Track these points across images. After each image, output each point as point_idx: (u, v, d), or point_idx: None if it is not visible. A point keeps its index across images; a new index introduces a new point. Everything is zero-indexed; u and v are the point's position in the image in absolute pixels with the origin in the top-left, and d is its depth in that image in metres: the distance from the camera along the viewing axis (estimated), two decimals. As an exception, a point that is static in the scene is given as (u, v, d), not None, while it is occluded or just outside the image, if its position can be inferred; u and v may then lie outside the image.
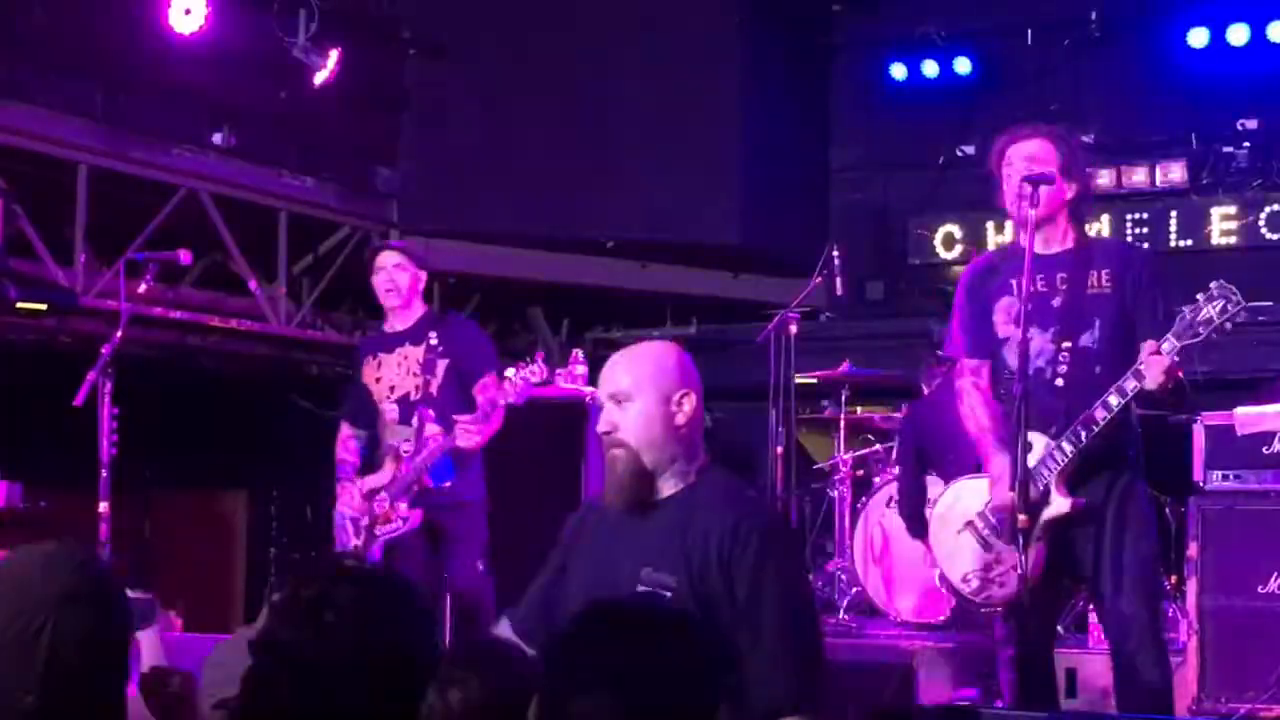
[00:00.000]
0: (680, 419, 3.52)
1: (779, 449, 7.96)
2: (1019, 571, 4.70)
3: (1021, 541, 4.76)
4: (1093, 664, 6.76)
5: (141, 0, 7.78)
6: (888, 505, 8.01)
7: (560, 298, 10.90)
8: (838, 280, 8.24)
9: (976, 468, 5.04)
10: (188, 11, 7.76)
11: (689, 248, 10.00)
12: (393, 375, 6.46)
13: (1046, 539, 4.77)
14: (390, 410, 6.43)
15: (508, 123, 9.51)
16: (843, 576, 8.22)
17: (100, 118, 7.95)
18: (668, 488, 3.53)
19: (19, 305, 7.61)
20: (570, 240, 9.96)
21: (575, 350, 8.63)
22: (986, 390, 4.95)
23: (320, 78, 8.59)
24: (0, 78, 7.45)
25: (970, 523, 5.01)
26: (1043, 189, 4.78)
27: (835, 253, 8.13)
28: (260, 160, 8.87)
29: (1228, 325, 4.69)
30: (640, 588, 3.36)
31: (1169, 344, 4.62)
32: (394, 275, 6.48)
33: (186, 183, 8.45)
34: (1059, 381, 4.78)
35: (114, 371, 6.01)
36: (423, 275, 6.62)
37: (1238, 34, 9.38)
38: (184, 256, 6.57)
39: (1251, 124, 9.62)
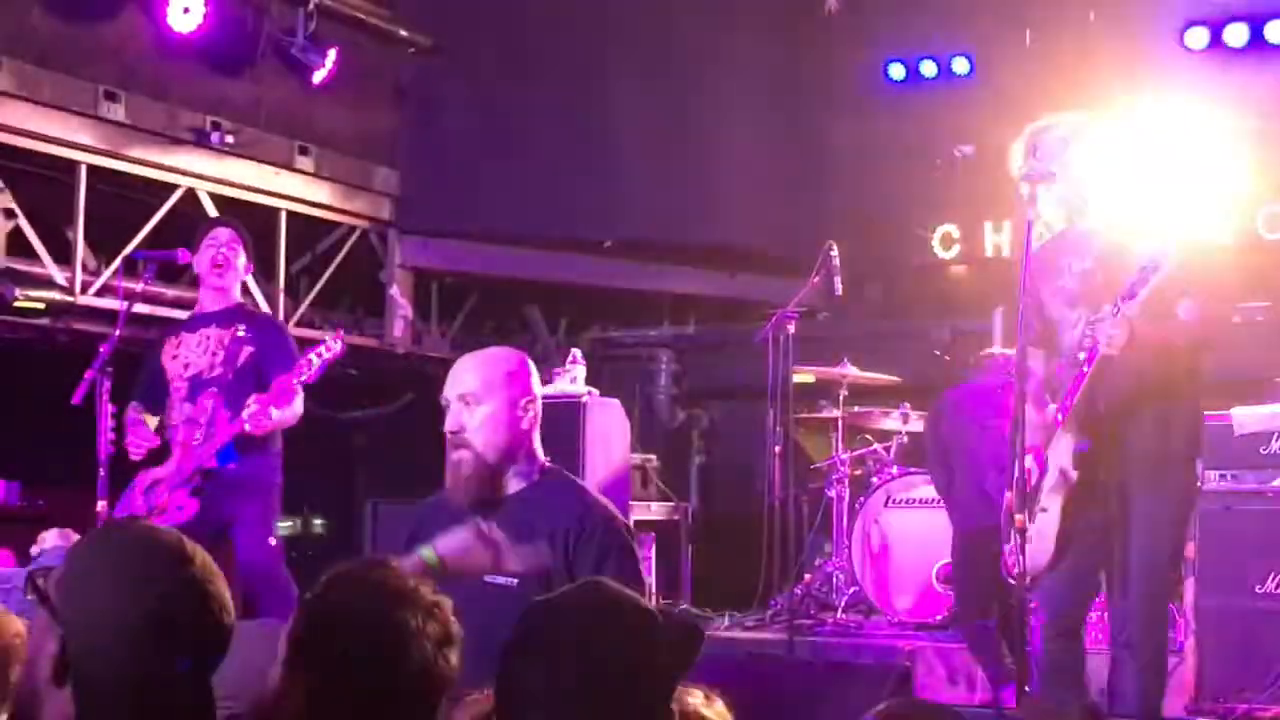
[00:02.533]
0: (525, 423, 3.70)
1: (777, 448, 7.94)
2: (1017, 571, 4.71)
3: (1018, 540, 4.77)
4: (1090, 663, 6.77)
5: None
6: (885, 505, 8.01)
7: (558, 297, 10.90)
8: (835, 280, 8.22)
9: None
10: (186, 10, 7.77)
11: (687, 247, 10.01)
12: (190, 353, 6.31)
13: (1061, 512, 4.79)
14: (181, 388, 6.27)
15: (506, 122, 9.51)
16: (840, 576, 8.23)
17: (99, 116, 7.94)
18: (511, 486, 3.70)
19: (18, 304, 7.61)
20: (568, 239, 9.97)
21: (573, 350, 8.65)
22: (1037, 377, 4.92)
23: (319, 76, 8.60)
24: (0, 76, 7.45)
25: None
26: None
27: (833, 252, 8.12)
28: (259, 159, 8.87)
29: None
30: (486, 578, 3.45)
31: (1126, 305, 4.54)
32: (227, 254, 6.38)
33: (185, 182, 8.45)
34: (1081, 355, 4.74)
35: (112, 370, 6.00)
36: (250, 265, 6.54)
37: (1235, 34, 9.38)
38: (183, 255, 6.56)
39: (1251, 124, 9.61)
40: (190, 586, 2.29)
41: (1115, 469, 4.78)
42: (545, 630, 2.30)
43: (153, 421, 6.38)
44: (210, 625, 2.30)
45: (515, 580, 3.48)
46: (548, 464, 3.77)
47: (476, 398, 3.66)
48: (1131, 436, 4.75)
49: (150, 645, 2.24)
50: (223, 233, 6.45)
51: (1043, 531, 4.76)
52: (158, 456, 6.28)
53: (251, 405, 5.96)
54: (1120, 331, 4.53)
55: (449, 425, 3.67)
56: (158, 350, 6.43)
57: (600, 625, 2.29)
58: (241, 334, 6.24)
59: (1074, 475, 4.75)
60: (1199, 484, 4.95)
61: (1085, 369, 4.66)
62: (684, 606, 8.74)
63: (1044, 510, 4.79)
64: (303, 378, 6.04)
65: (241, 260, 6.43)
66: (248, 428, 6.00)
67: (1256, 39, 9.38)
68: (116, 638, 2.23)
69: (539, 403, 3.74)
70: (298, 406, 6.18)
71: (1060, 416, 4.77)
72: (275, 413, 6.01)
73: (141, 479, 6.24)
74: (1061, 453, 4.77)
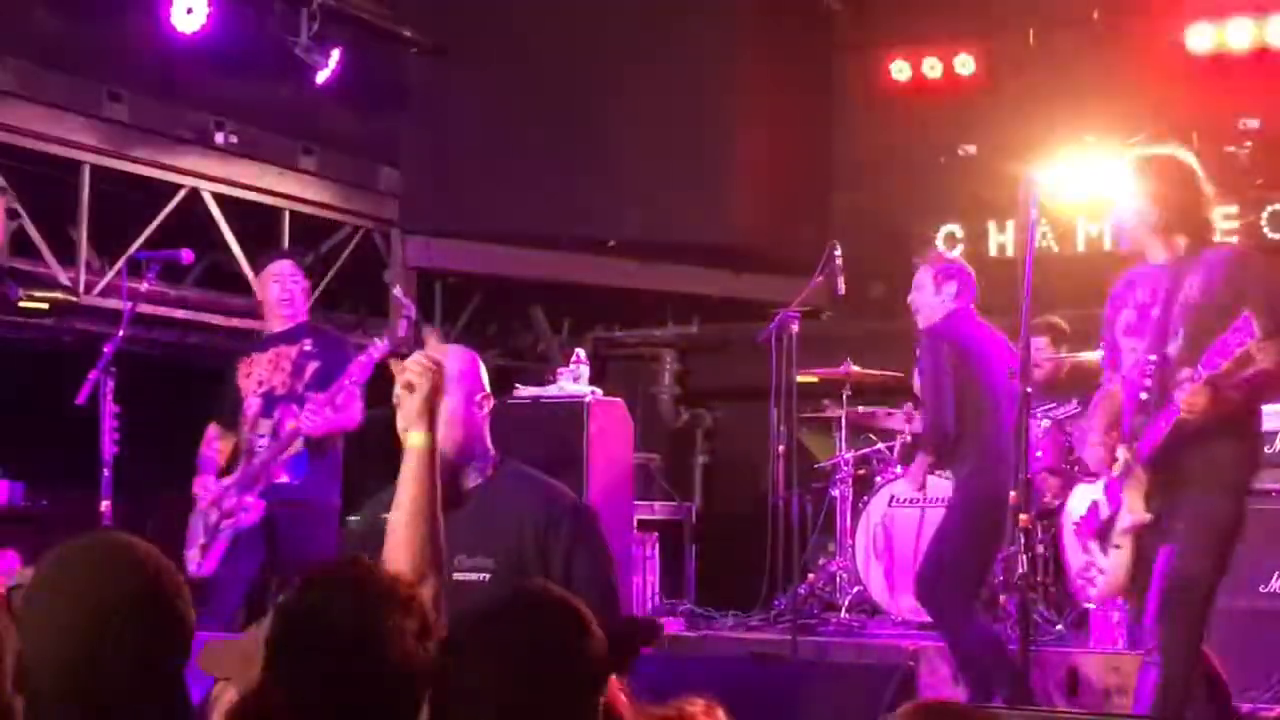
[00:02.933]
0: (480, 418, 3.78)
1: (780, 448, 7.95)
2: (1020, 572, 4.71)
3: (1024, 540, 4.78)
4: (1094, 663, 6.78)
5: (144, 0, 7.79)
6: (889, 504, 8.01)
7: (561, 297, 10.90)
8: (839, 279, 8.22)
9: None
10: (190, 10, 7.76)
11: (690, 247, 10.00)
12: (262, 371, 6.53)
13: (1132, 548, 4.83)
14: (255, 404, 6.48)
15: (509, 122, 9.51)
16: (844, 575, 8.23)
17: (103, 117, 7.95)
18: (470, 481, 3.75)
19: (21, 304, 7.61)
20: (572, 239, 9.96)
21: (577, 350, 8.65)
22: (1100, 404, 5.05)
23: (322, 76, 8.60)
24: (3, 76, 7.45)
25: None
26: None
27: (836, 252, 8.12)
28: (262, 159, 8.87)
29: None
30: (456, 575, 3.50)
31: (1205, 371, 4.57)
32: (290, 287, 6.69)
33: (189, 182, 8.45)
34: (1144, 395, 4.80)
35: (116, 370, 6.02)
36: (308, 284, 6.85)
37: (1239, 33, 9.38)
38: (186, 255, 6.58)
39: (1253, 123, 9.61)
40: (139, 597, 2.29)
41: (1168, 496, 4.79)
42: (478, 630, 2.35)
43: (230, 441, 6.64)
44: (162, 632, 2.31)
45: (487, 575, 3.56)
46: (500, 457, 3.82)
47: None
48: (1186, 465, 4.75)
49: (99, 653, 2.24)
50: (285, 267, 6.74)
51: (1115, 566, 4.83)
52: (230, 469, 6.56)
53: (311, 412, 6.21)
54: (1201, 399, 4.54)
55: (405, 421, 3.64)
56: (233, 371, 6.66)
57: (530, 624, 2.34)
58: (308, 349, 6.49)
59: (1147, 518, 4.77)
60: (1242, 515, 4.89)
61: (1163, 425, 4.67)
62: (686, 606, 8.74)
63: (1117, 547, 4.81)
64: (352, 380, 6.20)
65: (301, 290, 6.72)
66: (302, 426, 6.22)
67: (1260, 38, 9.37)
68: (61, 647, 2.24)
69: (491, 399, 3.82)
70: (355, 411, 6.40)
71: (1137, 462, 4.79)
72: (329, 413, 6.24)
73: (206, 487, 6.46)
74: (1134, 496, 4.79)
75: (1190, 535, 4.73)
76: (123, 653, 2.26)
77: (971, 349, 6.56)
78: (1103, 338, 5.14)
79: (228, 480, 6.41)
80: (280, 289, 6.66)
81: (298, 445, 6.32)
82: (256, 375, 6.54)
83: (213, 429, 6.68)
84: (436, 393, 3.25)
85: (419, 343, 9.85)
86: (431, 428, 3.23)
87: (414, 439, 3.24)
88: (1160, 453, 4.70)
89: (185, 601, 2.37)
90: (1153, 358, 4.77)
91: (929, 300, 6.80)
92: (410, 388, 3.26)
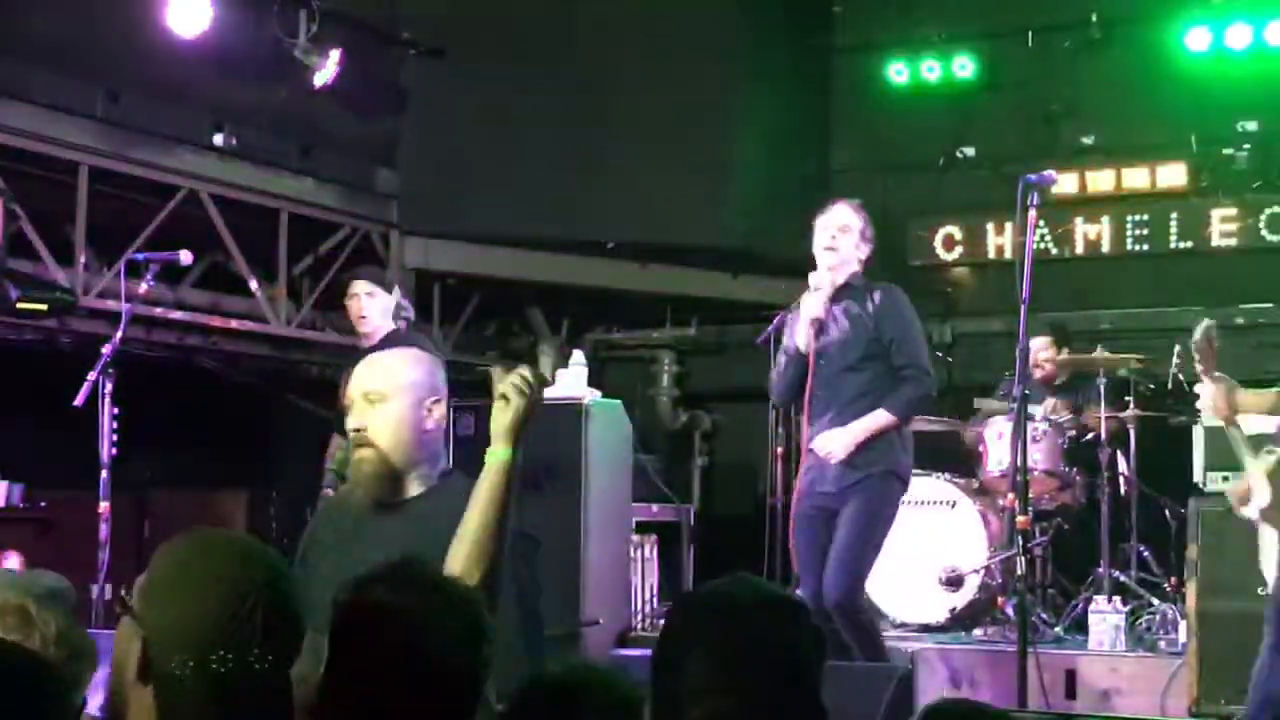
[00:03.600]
0: (430, 424, 3.65)
1: (779, 450, 7.95)
2: (1018, 574, 4.71)
3: (1021, 542, 4.78)
4: (1092, 665, 6.78)
5: (143, 1, 7.78)
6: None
7: (560, 299, 10.90)
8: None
9: None
10: (188, 12, 7.76)
11: (689, 249, 10.01)
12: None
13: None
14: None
15: (508, 124, 9.51)
16: (842, 578, 8.20)
17: (101, 118, 7.95)
18: (413, 488, 3.64)
19: (20, 305, 7.60)
20: (570, 241, 9.96)
21: (575, 351, 8.65)
22: None
23: (321, 78, 8.59)
24: (1, 77, 7.45)
25: None
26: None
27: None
28: (261, 161, 8.87)
29: None
30: None
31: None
32: (365, 304, 6.91)
33: (187, 183, 8.45)
34: None
35: (114, 372, 6.01)
36: (390, 297, 7.00)
37: (1238, 35, 9.39)
38: (184, 257, 6.58)
39: (1251, 125, 9.63)
40: (261, 587, 2.37)
41: None
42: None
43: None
44: (284, 624, 2.38)
45: None
46: (448, 468, 3.73)
47: (381, 396, 3.63)
48: None
49: (225, 643, 2.32)
50: (360, 286, 6.97)
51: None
52: None
53: None
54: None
55: (352, 423, 3.64)
56: (340, 384, 6.75)
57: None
58: None
59: None
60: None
61: None
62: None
63: None
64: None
65: (379, 304, 6.93)
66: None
67: (1258, 40, 9.38)
68: (190, 637, 2.32)
69: (444, 405, 3.71)
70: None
71: None
72: None
73: (334, 481, 6.72)
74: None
75: None
76: (255, 638, 2.34)
77: None
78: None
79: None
80: (356, 306, 6.93)
81: None
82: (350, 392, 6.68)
83: (334, 440, 6.96)
84: (531, 411, 3.24)
85: (401, 344, 9.87)
86: (517, 444, 3.21)
87: (496, 453, 3.23)
88: None
89: (298, 598, 2.46)
90: None
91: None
92: (505, 400, 3.24)
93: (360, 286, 6.96)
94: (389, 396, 3.62)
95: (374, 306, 6.91)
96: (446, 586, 2.54)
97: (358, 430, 3.62)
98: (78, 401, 5.96)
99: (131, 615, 2.38)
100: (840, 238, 6.36)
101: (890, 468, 6.06)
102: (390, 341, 6.73)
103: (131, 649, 2.36)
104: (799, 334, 6.19)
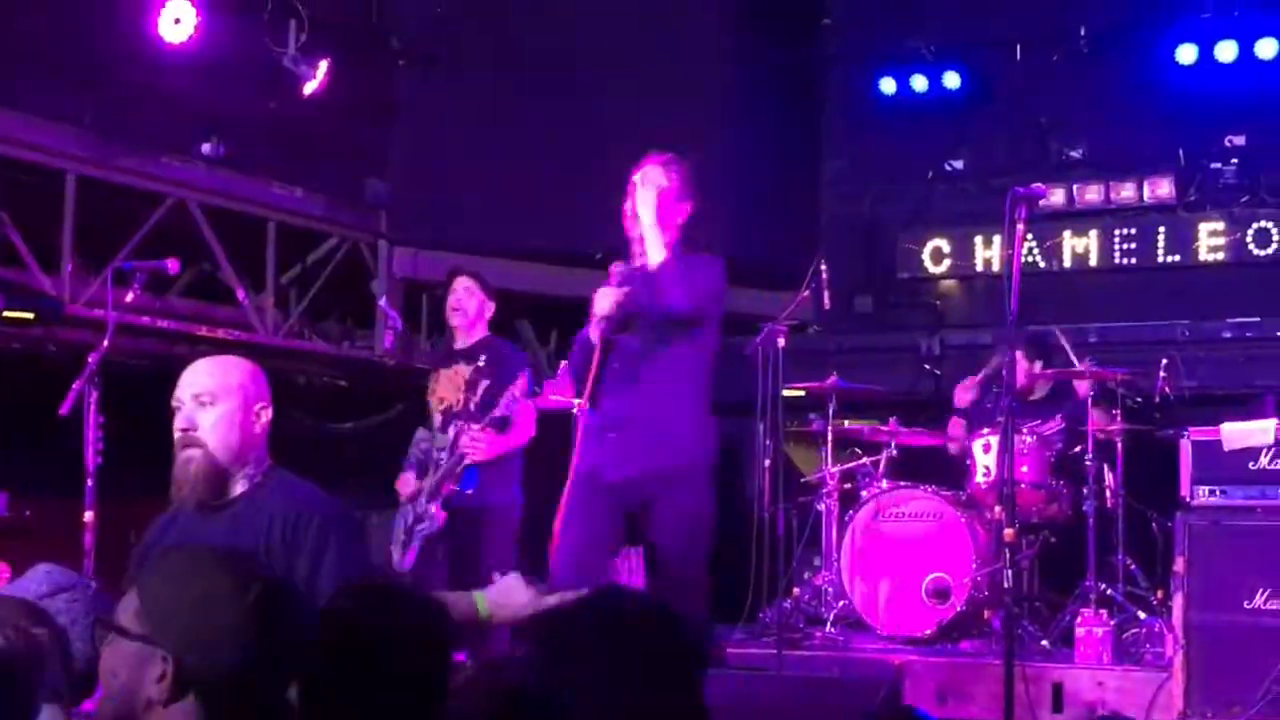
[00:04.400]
0: (258, 428, 3.76)
1: (766, 462, 7.96)
2: (1005, 587, 4.70)
3: (1008, 555, 4.78)
4: (1078, 679, 6.78)
5: (131, 9, 7.76)
6: (874, 518, 8.01)
7: (549, 310, 10.87)
8: (825, 294, 8.24)
9: None
10: (177, 20, 7.75)
11: (678, 260, 9.98)
12: (444, 388, 7.12)
13: None
14: (437, 420, 7.14)
15: (497, 134, 9.51)
16: (829, 590, 8.22)
17: (89, 126, 7.92)
18: (237, 488, 3.74)
19: (5, 313, 7.58)
20: (559, 252, 9.95)
21: (564, 363, 8.63)
22: None
23: (310, 88, 8.59)
24: (-11, 85, 7.44)
25: None
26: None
27: (823, 266, 8.14)
28: (249, 170, 8.86)
29: None
30: None
31: None
32: (462, 298, 7.20)
33: (175, 192, 8.43)
34: None
35: (100, 381, 5.99)
36: (490, 304, 7.37)
37: (1226, 50, 9.41)
38: (172, 266, 6.55)
39: (1239, 140, 9.65)
40: (270, 601, 2.46)
41: None
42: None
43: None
44: (296, 635, 2.49)
45: None
46: (271, 465, 3.81)
47: (212, 397, 3.71)
48: None
49: (256, 652, 2.42)
50: (460, 282, 7.36)
51: None
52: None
53: (471, 441, 6.86)
54: None
55: (181, 424, 3.71)
56: (426, 386, 7.41)
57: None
58: (481, 365, 7.07)
59: None
60: None
61: None
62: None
63: None
64: (506, 407, 6.85)
65: (475, 303, 7.30)
66: (467, 455, 6.88)
67: (1246, 55, 9.41)
68: (222, 655, 2.41)
69: (270, 410, 3.81)
70: (525, 427, 7.05)
71: None
72: (494, 436, 6.90)
73: (407, 484, 7.15)
74: None
75: None
76: (278, 651, 2.45)
77: None
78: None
79: (423, 484, 7.06)
80: (453, 299, 7.28)
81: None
82: (439, 391, 7.18)
83: (420, 432, 7.35)
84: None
85: (406, 353, 9.88)
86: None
87: (476, 602, 3.61)
88: None
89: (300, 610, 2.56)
90: None
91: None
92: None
93: (461, 281, 7.29)
94: (219, 398, 3.71)
95: (471, 302, 7.23)
96: (412, 598, 2.66)
97: (185, 430, 3.69)
98: (63, 410, 5.94)
99: (143, 639, 2.44)
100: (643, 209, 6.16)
101: None
102: (479, 349, 7.16)
103: (146, 673, 2.42)
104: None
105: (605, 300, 6.14)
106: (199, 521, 3.70)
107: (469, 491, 6.95)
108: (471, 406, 6.98)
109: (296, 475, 3.85)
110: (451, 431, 7.00)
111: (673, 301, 5.88)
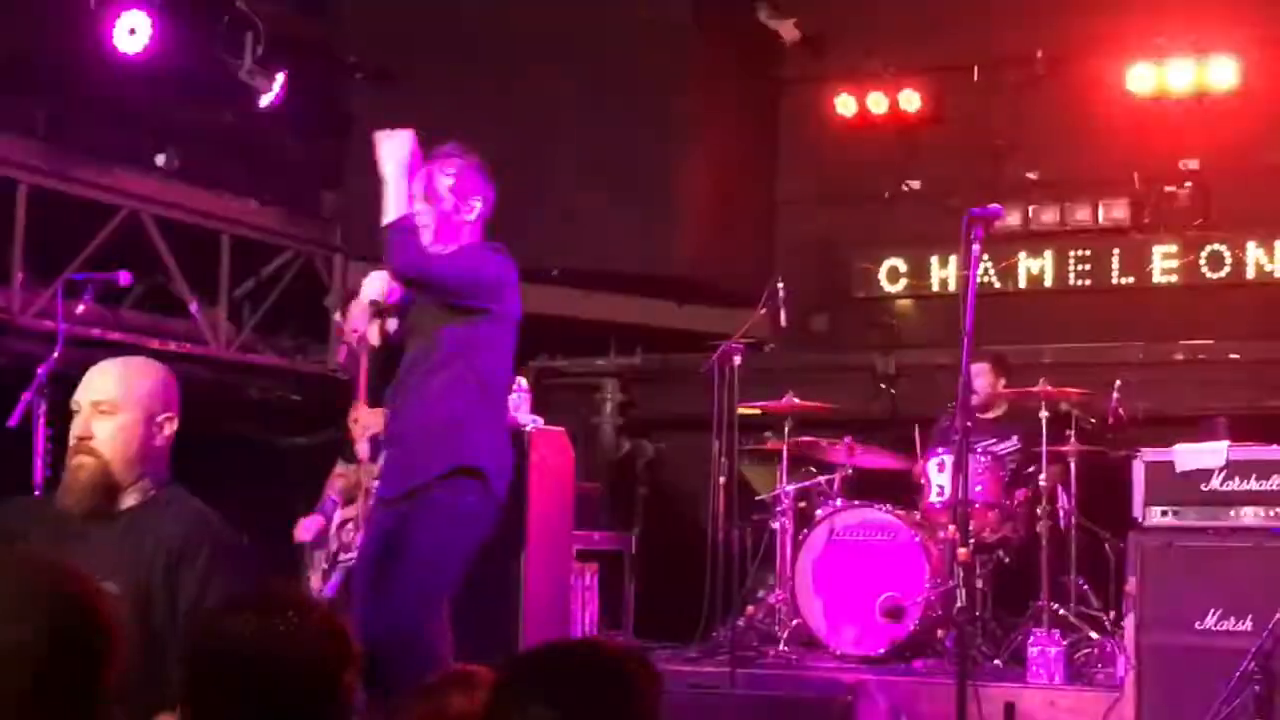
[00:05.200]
0: (159, 440, 3.60)
1: (721, 480, 7.95)
2: (959, 605, 4.71)
3: (962, 574, 4.79)
4: (1031, 698, 6.79)
5: (86, 19, 7.70)
6: (829, 537, 8.01)
7: (504, 325, 10.84)
8: (781, 312, 8.24)
9: None
10: (132, 31, 7.70)
11: (634, 277, 9.99)
12: (368, 415, 6.69)
13: None
14: (363, 449, 6.78)
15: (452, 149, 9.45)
16: (783, 608, 8.21)
17: (42, 136, 7.87)
18: (129, 500, 3.59)
19: (-46, 325, 7.51)
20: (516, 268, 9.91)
21: (519, 378, 8.60)
22: None
23: (265, 100, 8.54)
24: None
25: None
26: None
27: (779, 284, 8.15)
28: (203, 182, 8.81)
29: None
30: None
31: None
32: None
33: (128, 204, 8.38)
34: None
35: (49, 393, 5.93)
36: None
37: (1180, 75, 9.48)
38: (123, 278, 6.50)
39: (1193, 164, 9.72)
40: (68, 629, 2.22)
41: None
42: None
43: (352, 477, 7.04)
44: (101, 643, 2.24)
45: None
46: (169, 480, 3.67)
47: (113, 407, 3.57)
48: None
49: (49, 678, 2.16)
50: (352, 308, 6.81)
51: None
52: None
53: None
54: None
55: (77, 430, 3.57)
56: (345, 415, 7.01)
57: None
58: None
59: None
60: None
61: None
62: (624, 637, 8.70)
63: None
64: None
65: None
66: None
67: (1200, 80, 9.47)
68: (16, 669, 2.16)
69: (176, 420, 3.64)
70: None
71: None
72: None
73: (333, 506, 6.93)
74: None
75: None
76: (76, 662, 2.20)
77: None
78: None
79: (347, 513, 6.86)
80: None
81: None
82: (364, 419, 6.79)
83: (340, 467, 7.13)
84: None
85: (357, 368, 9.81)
86: None
87: None
88: None
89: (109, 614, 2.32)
90: None
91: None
92: None
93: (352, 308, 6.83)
94: (120, 409, 3.56)
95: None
96: (311, 609, 2.48)
97: (81, 439, 3.56)
98: (11, 422, 5.87)
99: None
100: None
101: None
102: None
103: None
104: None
105: (375, 283, 5.44)
106: (85, 527, 3.54)
107: None
108: None
109: (190, 494, 3.71)
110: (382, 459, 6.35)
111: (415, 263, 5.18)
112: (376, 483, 6.37)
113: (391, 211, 5.19)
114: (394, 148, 5.34)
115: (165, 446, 3.62)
